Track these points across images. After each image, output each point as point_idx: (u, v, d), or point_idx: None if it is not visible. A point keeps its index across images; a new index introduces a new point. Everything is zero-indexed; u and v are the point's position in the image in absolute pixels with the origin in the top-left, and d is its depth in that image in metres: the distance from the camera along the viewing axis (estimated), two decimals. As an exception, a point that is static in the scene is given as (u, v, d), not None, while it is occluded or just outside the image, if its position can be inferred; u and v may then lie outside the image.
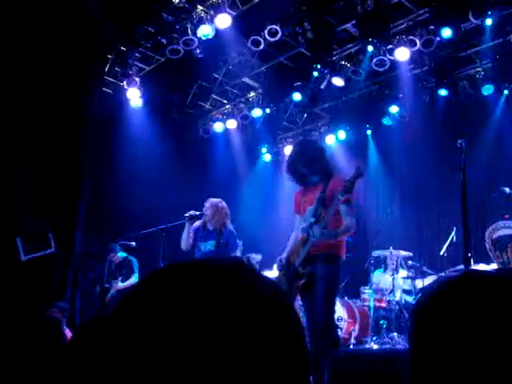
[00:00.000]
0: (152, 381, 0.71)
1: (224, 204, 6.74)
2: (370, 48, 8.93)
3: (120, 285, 8.72)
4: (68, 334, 4.92)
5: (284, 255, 5.04)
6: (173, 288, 0.76)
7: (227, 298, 0.75)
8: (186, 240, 6.66)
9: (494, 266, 7.43)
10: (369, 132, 11.49)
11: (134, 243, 8.77)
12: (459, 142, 4.39)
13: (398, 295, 8.57)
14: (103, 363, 0.76)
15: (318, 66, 9.48)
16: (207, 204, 6.69)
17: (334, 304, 4.96)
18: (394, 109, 10.62)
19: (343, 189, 4.54)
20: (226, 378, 0.70)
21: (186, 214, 6.66)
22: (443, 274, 7.90)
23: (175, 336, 0.71)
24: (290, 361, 0.75)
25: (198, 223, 6.67)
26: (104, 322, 1.68)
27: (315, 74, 9.63)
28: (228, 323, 0.72)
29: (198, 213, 6.64)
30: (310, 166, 5.00)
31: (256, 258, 9.56)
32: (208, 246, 6.53)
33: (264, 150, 12.72)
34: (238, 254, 6.63)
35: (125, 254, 8.92)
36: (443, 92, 9.72)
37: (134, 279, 8.77)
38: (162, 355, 0.71)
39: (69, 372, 1.65)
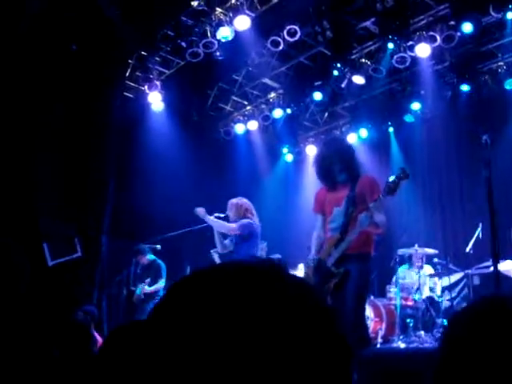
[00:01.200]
0: None
1: (243, 200, 6.78)
2: (391, 45, 8.88)
3: (147, 288, 8.75)
4: (97, 337, 4.97)
5: (314, 256, 5.02)
6: (206, 293, 0.75)
7: (264, 302, 0.74)
8: (218, 243, 6.70)
9: (521, 263, 7.35)
10: (391, 129, 11.40)
11: (159, 246, 8.81)
12: (484, 137, 4.35)
13: (425, 293, 8.51)
14: (136, 368, 0.76)
15: (338, 65, 9.46)
16: (229, 205, 6.75)
17: (364, 303, 4.97)
18: (415, 106, 10.53)
19: (387, 189, 4.54)
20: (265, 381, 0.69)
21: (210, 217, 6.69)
22: (470, 272, 7.83)
23: (213, 341, 0.71)
24: (332, 360, 0.75)
25: None
26: (135, 326, 1.70)
27: (335, 72, 9.61)
28: (267, 327, 0.71)
29: (222, 215, 6.67)
30: (340, 164, 5.00)
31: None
32: (226, 231, 6.58)
33: (285, 150, 12.68)
34: (260, 249, 6.59)
35: (153, 257, 8.95)
36: (465, 87, 9.63)
37: (161, 283, 8.80)
38: (197, 361, 0.70)
39: (100, 376, 1.67)
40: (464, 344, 0.88)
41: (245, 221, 6.52)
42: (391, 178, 4.60)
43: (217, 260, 6.75)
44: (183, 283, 0.80)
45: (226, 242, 6.68)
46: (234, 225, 6.43)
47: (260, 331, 0.71)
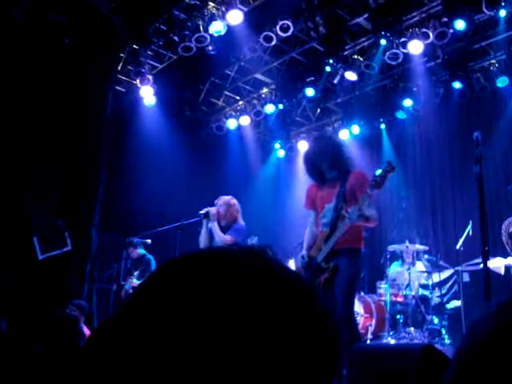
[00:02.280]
0: (168, 378, 0.67)
1: (235, 200, 6.75)
2: (383, 41, 8.88)
3: (135, 282, 8.75)
4: (86, 332, 4.95)
5: (304, 252, 5.04)
6: (191, 277, 0.72)
7: (252, 286, 0.71)
8: (204, 239, 6.68)
9: (510, 260, 7.38)
10: (383, 126, 11.42)
11: (149, 240, 8.80)
12: (475, 134, 4.34)
13: (415, 289, 8.54)
14: (119, 362, 0.72)
15: (331, 61, 9.45)
16: (219, 201, 6.70)
17: (354, 298, 4.98)
18: (407, 102, 10.54)
19: (373, 183, 4.54)
20: (253, 369, 0.67)
21: (202, 211, 6.67)
22: (460, 269, 7.86)
23: (196, 326, 0.67)
24: (320, 351, 0.72)
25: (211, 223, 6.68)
26: (118, 321, 1.68)
27: (328, 68, 9.59)
28: (255, 312, 0.69)
29: (213, 208, 6.65)
30: (328, 161, 5.01)
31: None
32: (219, 242, 6.55)
33: (277, 145, 12.70)
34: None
35: (144, 252, 8.95)
36: (457, 84, 9.65)
37: None
38: (181, 350, 0.67)
39: (85, 371, 1.66)
40: (486, 357, 0.81)
41: (238, 227, 6.52)
42: (378, 172, 4.61)
43: None
44: (163, 268, 0.76)
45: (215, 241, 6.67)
46: (228, 238, 6.41)
47: (243, 318, 0.68)
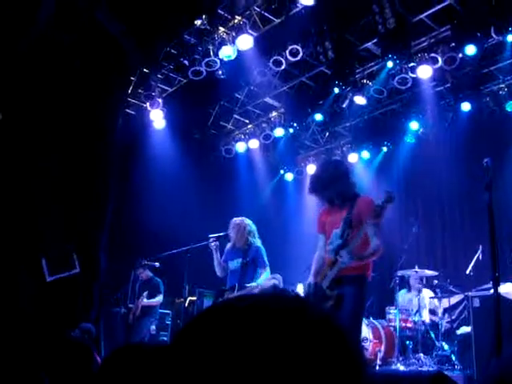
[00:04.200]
0: None
1: (246, 222, 6.74)
2: (390, 64, 8.90)
3: (145, 301, 8.75)
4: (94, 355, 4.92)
5: (311, 278, 5.02)
6: (232, 328, 0.77)
7: (291, 338, 0.76)
8: (217, 266, 6.68)
9: (521, 286, 7.31)
10: (391, 150, 11.40)
11: (157, 264, 8.80)
12: (485, 160, 4.33)
13: (424, 315, 8.47)
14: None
15: (340, 85, 9.48)
16: (231, 225, 6.72)
17: (360, 326, 4.93)
18: (415, 126, 10.55)
19: (373, 213, 4.53)
20: None
21: (211, 236, 6.68)
22: (470, 294, 7.78)
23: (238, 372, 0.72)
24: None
25: (228, 245, 6.69)
26: (134, 349, 1.68)
27: (336, 90, 9.60)
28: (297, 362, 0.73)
29: (222, 234, 6.66)
30: (335, 187, 4.99)
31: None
32: (235, 263, 6.56)
33: (286, 169, 12.70)
34: (268, 271, 6.55)
35: (151, 274, 8.97)
36: (466, 106, 9.62)
37: (158, 299, 8.83)
38: None
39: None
40: None
41: (255, 249, 6.52)
42: (377, 203, 4.61)
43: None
44: (208, 314, 0.82)
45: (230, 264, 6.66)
46: (254, 285, 6.39)
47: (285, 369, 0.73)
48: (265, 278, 6.42)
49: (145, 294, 8.80)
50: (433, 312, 8.69)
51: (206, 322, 0.80)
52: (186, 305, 8.53)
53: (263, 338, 0.74)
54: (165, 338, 9.66)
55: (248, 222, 6.76)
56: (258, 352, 0.73)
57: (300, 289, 9.44)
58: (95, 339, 6.89)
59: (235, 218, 6.79)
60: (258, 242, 6.63)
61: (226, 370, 0.72)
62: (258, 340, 0.74)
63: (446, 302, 8.48)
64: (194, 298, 10.05)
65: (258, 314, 0.78)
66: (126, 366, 1.63)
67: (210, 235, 6.73)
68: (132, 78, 9.97)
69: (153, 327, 9.13)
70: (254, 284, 6.37)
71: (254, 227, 6.73)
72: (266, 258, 6.54)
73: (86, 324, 6.49)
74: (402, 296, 8.93)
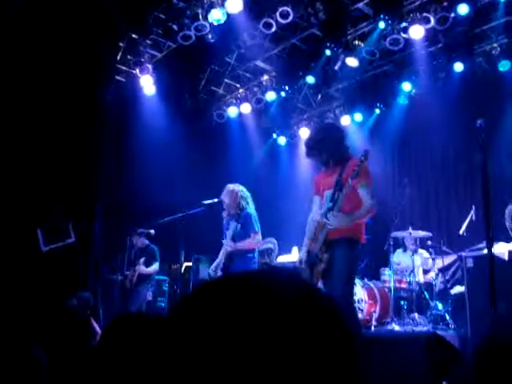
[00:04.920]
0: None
1: (239, 188, 6.75)
2: (382, 24, 8.80)
3: (143, 268, 8.80)
4: (95, 327, 4.96)
5: (304, 248, 5.05)
6: (230, 303, 0.79)
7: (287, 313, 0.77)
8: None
9: (514, 245, 7.37)
10: (384, 111, 11.34)
11: (152, 231, 8.82)
12: (478, 122, 4.33)
13: (418, 275, 8.55)
14: (153, 361, 0.80)
15: (332, 47, 9.38)
16: (224, 191, 6.72)
17: (352, 288, 4.98)
18: (408, 87, 10.49)
19: (353, 173, 4.56)
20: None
21: (204, 202, 6.69)
22: (463, 254, 7.85)
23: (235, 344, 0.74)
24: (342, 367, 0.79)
25: (224, 213, 6.69)
26: (135, 319, 1.68)
27: (328, 52, 9.50)
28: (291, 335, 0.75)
29: (215, 200, 6.66)
30: (328, 150, 5.01)
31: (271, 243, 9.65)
32: (230, 231, 6.58)
33: (279, 133, 12.64)
34: (258, 237, 6.57)
35: (147, 242, 8.99)
36: (459, 66, 9.54)
37: (155, 266, 8.87)
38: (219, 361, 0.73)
39: (100, 370, 1.66)
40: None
41: (244, 215, 6.54)
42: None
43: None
44: (203, 291, 0.83)
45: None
46: (253, 242, 6.44)
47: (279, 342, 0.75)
48: (249, 242, 6.45)
49: (141, 260, 8.84)
50: (427, 272, 8.79)
51: (204, 298, 0.81)
52: (182, 271, 8.57)
53: (257, 317, 0.76)
54: (162, 304, 9.75)
55: (241, 188, 6.76)
56: (252, 331, 0.75)
57: (295, 252, 9.54)
58: (93, 307, 6.93)
59: (228, 185, 6.78)
60: (249, 208, 6.64)
61: (220, 348, 0.74)
62: (251, 318, 0.76)
63: (439, 263, 8.56)
64: (190, 264, 10.11)
65: (252, 291, 0.80)
66: (124, 337, 1.63)
67: (204, 201, 6.73)
68: (121, 44, 9.83)
69: (149, 293, 9.19)
70: (239, 243, 6.44)
71: (247, 193, 6.73)
72: (256, 224, 6.55)
73: (83, 293, 6.51)
74: (398, 255, 9.01)
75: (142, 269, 8.81)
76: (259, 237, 6.52)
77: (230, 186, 6.74)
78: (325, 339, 0.77)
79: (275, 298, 0.78)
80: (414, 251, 8.51)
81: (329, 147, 5.03)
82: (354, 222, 4.80)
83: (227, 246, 6.44)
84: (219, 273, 6.45)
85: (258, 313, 0.76)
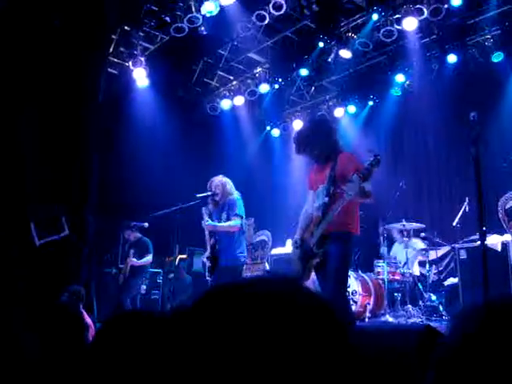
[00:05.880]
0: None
1: (226, 178, 6.82)
2: (375, 16, 8.80)
3: (135, 261, 8.79)
4: (88, 320, 4.96)
5: (297, 236, 5.05)
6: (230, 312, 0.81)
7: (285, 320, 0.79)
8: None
9: (507, 237, 7.42)
10: (378, 103, 11.35)
11: (146, 224, 8.81)
12: (471, 114, 4.33)
13: (412, 267, 8.59)
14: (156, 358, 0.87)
15: (325, 37, 9.36)
16: (213, 183, 6.71)
17: (346, 282, 4.99)
18: (401, 78, 10.48)
19: (362, 176, 4.50)
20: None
21: (199, 195, 6.69)
22: (456, 246, 7.90)
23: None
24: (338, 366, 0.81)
25: (210, 207, 6.70)
26: (128, 318, 1.67)
27: (321, 44, 9.50)
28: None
29: (208, 193, 6.66)
30: (317, 145, 5.00)
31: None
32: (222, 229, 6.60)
33: (272, 125, 12.63)
34: (238, 220, 6.58)
35: (139, 235, 8.98)
36: (452, 58, 9.54)
37: (148, 258, 8.86)
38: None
39: (96, 367, 1.66)
40: (475, 341, 0.88)
41: (230, 201, 6.57)
42: (364, 166, 4.59)
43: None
44: (215, 294, 0.86)
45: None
46: (231, 224, 6.47)
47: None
48: (229, 224, 6.48)
49: (131, 252, 8.81)
50: (420, 264, 8.83)
51: (207, 306, 0.84)
52: (177, 263, 8.58)
53: (254, 321, 0.78)
54: (156, 297, 9.75)
55: (227, 179, 6.82)
56: (252, 336, 0.77)
57: (289, 245, 9.55)
58: (87, 300, 6.92)
59: (215, 178, 6.80)
60: (235, 195, 6.69)
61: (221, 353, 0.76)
62: (251, 324, 0.78)
63: (433, 254, 8.60)
64: (185, 256, 10.13)
65: (253, 299, 0.82)
66: (120, 336, 1.63)
67: (198, 195, 6.73)
68: (113, 37, 9.78)
69: (143, 287, 9.20)
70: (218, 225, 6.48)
71: (231, 182, 6.81)
72: (239, 208, 6.57)
73: (74, 286, 6.49)
74: (395, 248, 9.07)
75: (133, 262, 8.80)
76: (238, 220, 6.53)
77: (217, 179, 6.78)
78: (320, 344, 0.79)
79: (273, 305, 0.80)
80: (407, 242, 8.54)
81: (318, 142, 5.01)
82: (365, 191, 4.70)
83: (203, 225, 6.50)
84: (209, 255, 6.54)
85: (253, 318, 0.78)
